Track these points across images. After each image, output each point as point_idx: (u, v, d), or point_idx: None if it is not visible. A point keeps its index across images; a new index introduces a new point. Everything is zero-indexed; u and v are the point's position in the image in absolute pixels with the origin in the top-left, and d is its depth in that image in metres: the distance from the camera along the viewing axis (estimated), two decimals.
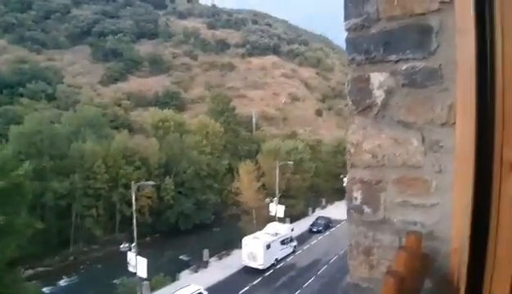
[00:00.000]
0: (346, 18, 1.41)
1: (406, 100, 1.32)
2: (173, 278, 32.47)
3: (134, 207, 25.88)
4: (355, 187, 1.45)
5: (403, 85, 1.32)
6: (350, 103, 1.43)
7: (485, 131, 0.99)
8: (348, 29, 1.42)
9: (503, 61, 0.95)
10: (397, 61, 1.32)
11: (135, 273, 25.90)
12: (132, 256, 25.77)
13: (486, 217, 0.98)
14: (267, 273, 32.66)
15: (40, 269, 38.86)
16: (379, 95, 1.37)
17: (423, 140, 1.30)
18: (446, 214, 1.25)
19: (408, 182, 1.33)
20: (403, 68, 1.31)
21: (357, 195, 1.45)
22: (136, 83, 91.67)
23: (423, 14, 1.25)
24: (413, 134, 1.32)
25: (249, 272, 32.57)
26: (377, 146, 1.39)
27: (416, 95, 1.30)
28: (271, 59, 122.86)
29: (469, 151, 1.11)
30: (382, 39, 1.34)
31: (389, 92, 1.35)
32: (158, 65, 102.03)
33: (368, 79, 1.39)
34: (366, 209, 1.42)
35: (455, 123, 1.20)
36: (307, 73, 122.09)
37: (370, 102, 1.39)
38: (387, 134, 1.37)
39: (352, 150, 1.46)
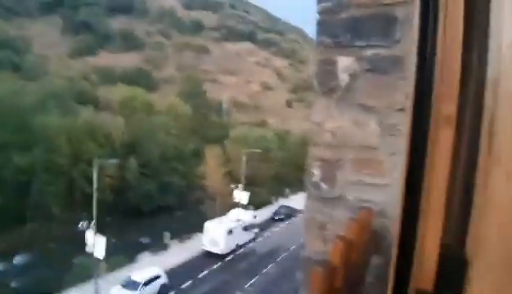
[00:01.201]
0: (319, 1, 1.44)
1: (369, 85, 1.40)
2: (132, 260, 32.05)
3: (95, 185, 25.16)
4: (315, 164, 1.51)
5: (367, 70, 1.39)
6: (316, 84, 1.47)
7: (427, 101, 1.02)
8: (319, 12, 1.45)
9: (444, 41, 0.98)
10: (362, 47, 1.38)
11: (92, 253, 25.35)
12: (90, 236, 25.15)
13: (421, 169, 1.01)
14: (228, 258, 32.93)
15: None
16: (343, 78, 1.43)
17: (380, 123, 1.38)
18: (397, 194, 1.31)
19: (364, 162, 1.42)
20: (368, 54, 1.38)
21: (316, 172, 1.51)
22: (106, 58, 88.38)
23: (390, 4, 1.31)
24: (372, 117, 1.39)
25: (209, 256, 32.70)
26: (338, 127, 1.46)
27: (378, 81, 1.37)
28: (246, 45, 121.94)
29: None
30: (350, 25, 1.39)
31: (353, 76, 1.42)
32: (130, 42, 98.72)
33: (334, 62, 1.44)
34: (324, 186, 1.49)
35: None
36: (280, 63, 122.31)
37: (335, 84, 1.45)
38: (348, 115, 1.44)
39: (315, 129, 1.50)
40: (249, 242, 36.78)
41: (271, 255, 34.85)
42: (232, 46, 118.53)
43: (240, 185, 42.80)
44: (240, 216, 36.72)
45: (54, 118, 44.30)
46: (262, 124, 73.74)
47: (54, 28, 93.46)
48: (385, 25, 1.33)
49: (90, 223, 25.71)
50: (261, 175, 54.59)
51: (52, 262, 34.57)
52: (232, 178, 48.43)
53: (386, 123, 1.37)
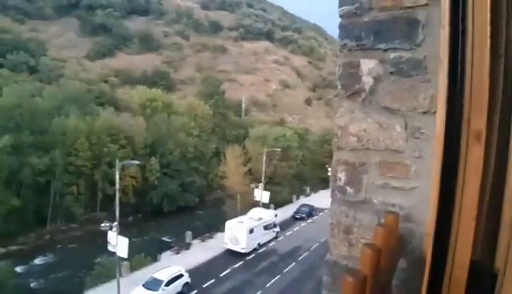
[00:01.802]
0: (340, 4, 1.46)
1: (393, 88, 1.39)
2: (154, 259, 32.47)
3: (117, 186, 25.57)
4: (339, 168, 1.52)
5: (391, 73, 1.39)
6: (340, 87, 1.48)
7: (457, 115, 1.05)
8: (341, 16, 1.46)
9: (472, 53, 1.01)
10: (385, 50, 1.39)
11: (115, 253, 25.76)
12: (112, 236, 25.50)
13: (453, 184, 1.04)
14: (249, 257, 33.01)
15: (13, 247, 37.36)
16: (367, 81, 1.44)
17: (405, 126, 1.37)
18: (423, 198, 1.32)
19: (389, 165, 1.42)
20: (391, 57, 1.38)
21: (341, 176, 1.52)
22: (124, 60, 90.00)
23: (411, 7, 1.32)
24: (397, 120, 1.39)
25: (231, 255, 32.85)
26: (362, 130, 1.47)
27: (402, 84, 1.37)
28: (263, 44, 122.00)
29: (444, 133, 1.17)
30: (373, 28, 1.40)
31: (377, 79, 1.42)
32: (148, 43, 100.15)
33: (358, 65, 1.44)
34: (349, 189, 1.50)
35: (435, 112, 1.28)
36: (299, 61, 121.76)
37: (359, 87, 1.45)
38: (373, 119, 1.44)
39: (339, 133, 1.52)
40: (271, 241, 36.78)
41: (292, 254, 34.75)
42: (250, 46, 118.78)
43: (260, 184, 42.83)
44: (260, 215, 36.73)
45: (73, 120, 45.08)
46: (282, 123, 73.70)
47: (70, 31, 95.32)
48: (407, 28, 1.33)
49: (112, 223, 26.12)
50: (281, 174, 54.60)
51: (74, 263, 35.21)
52: (253, 177, 48.57)
53: (411, 126, 1.36)
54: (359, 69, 1.44)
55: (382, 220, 1.44)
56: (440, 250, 1.07)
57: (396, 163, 1.40)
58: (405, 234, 1.35)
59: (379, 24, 1.38)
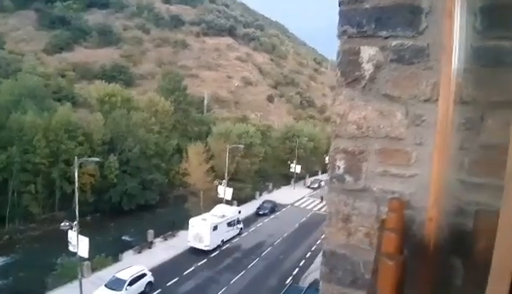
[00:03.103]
0: None
1: (393, 75, 1.39)
2: (116, 259, 31.61)
3: (76, 184, 24.62)
4: (338, 156, 1.50)
5: (391, 60, 1.38)
6: (339, 74, 1.47)
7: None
8: (341, 2, 1.44)
9: None
10: (387, 37, 1.38)
11: (75, 253, 24.81)
12: (73, 235, 24.60)
13: None
14: (213, 255, 32.91)
15: None
16: (367, 68, 1.42)
17: (406, 113, 1.37)
18: (423, 185, 1.33)
19: (390, 153, 1.41)
20: (393, 44, 1.37)
21: (340, 164, 1.50)
22: (82, 54, 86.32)
23: None
24: (398, 107, 1.39)
25: (194, 253, 32.62)
26: (362, 117, 1.45)
27: (403, 71, 1.37)
28: (226, 40, 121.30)
29: (449, 126, 1.19)
30: (374, 14, 1.39)
31: (378, 66, 1.41)
32: (107, 37, 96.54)
33: (358, 52, 1.43)
34: (348, 178, 1.48)
35: (437, 100, 1.30)
36: (261, 58, 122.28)
37: (359, 75, 1.44)
38: (373, 106, 1.43)
39: (338, 121, 1.50)
40: (234, 237, 36.84)
41: (256, 250, 35.01)
42: (212, 41, 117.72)
43: (223, 181, 42.70)
44: (224, 212, 36.65)
45: (31, 115, 42.92)
46: (244, 119, 73.62)
47: (28, 24, 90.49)
48: (410, 15, 1.32)
49: (72, 222, 25.11)
50: (244, 171, 54.67)
51: (34, 263, 33.69)
52: (216, 174, 48.31)
53: (412, 114, 1.37)
54: (359, 56, 1.43)
55: (381, 208, 1.45)
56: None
57: (396, 151, 1.40)
58: (406, 221, 1.36)
59: (380, 10, 1.37)
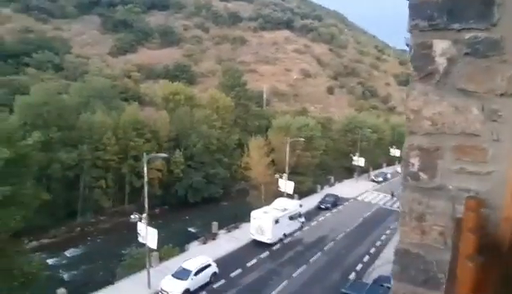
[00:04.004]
0: None
1: (468, 69, 1.33)
2: (182, 250, 33.12)
3: (146, 179, 26.16)
4: (412, 153, 1.47)
5: (465, 54, 1.33)
6: (412, 69, 1.42)
7: None
8: None
9: None
10: (459, 30, 1.33)
11: (143, 244, 26.40)
12: (142, 227, 26.23)
13: None
14: (275, 248, 33.22)
15: (45, 240, 38.93)
16: (441, 62, 1.38)
17: (482, 108, 1.32)
18: (500, 182, 1.28)
19: (466, 150, 1.36)
20: (466, 37, 1.32)
21: (415, 162, 1.46)
22: (146, 55, 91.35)
23: None
24: (473, 102, 1.33)
25: (256, 245, 33.15)
26: (437, 113, 1.40)
27: (478, 65, 1.31)
28: (283, 33, 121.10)
29: None
30: (446, 7, 1.34)
31: (452, 60, 1.36)
32: (168, 37, 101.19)
33: (431, 46, 1.39)
34: (423, 175, 1.44)
35: None
36: (320, 49, 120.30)
37: (433, 69, 1.40)
38: (448, 101, 1.39)
39: (412, 117, 1.45)
40: (296, 231, 36.86)
41: (318, 244, 34.75)
42: (270, 35, 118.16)
43: (284, 175, 42.83)
44: (285, 205, 36.79)
45: (99, 115, 46.21)
46: (304, 112, 73.21)
47: (92, 28, 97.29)
48: (482, 7, 1.26)
49: (141, 214, 26.75)
50: (305, 164, 54.38)
51: (104, 254, 36.32)
52: (276, 167, 48.59)
53: (488, 109, 1.31)
54: (432, 50, 1.38)
55: (457, 207, 1.39)
56: None
57: (472, 147, 1.35)
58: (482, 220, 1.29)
59: (452, 2, 1.32)
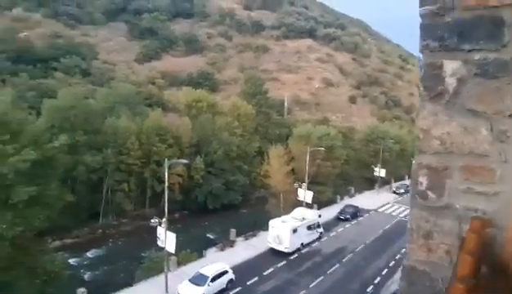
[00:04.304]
0: (421, 4, 1.44)
1: (478, 90, 1.36)
2: (200, 255, 33.26)
3: (167, 184, 26.55)
4: (421, 172, 1.50)
5: (475, 74, 1.36)
6: (422, 89, 1.46)
7: None
8: (422, 16, 1.44)
9: None
10: (470, 51, 1.35)
11: (162, 248, 26.69)
12: (161, 231, 26.56)
13: None
14: (292, 257, 32.96)
15: (68, 240, 39.80)
16: (451, 82, 1.41)
17: (491, 129, 1.34)
18: (507, 203, 1.30)
19: (474, 170, 1.38)
20: (476, 58, 1.35)
21: (423, 180, 1.49)
22: (170, 62, 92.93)
23: (496, 6, 1.27)
24: (482, 123, 1.36)
25: (274, 254, 32.98)
26: (446, 133, 1.44)
27: (487, 86, 1.33)
28: (306, 42, 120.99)
29: None
30: (456, 28, 1.37)
31: (461, 81, 1.39)
32: (192, 45, 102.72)
33: (441, 66, 1.42)
34: (431, 194, 1.47)
35: None
36: (342, 58, 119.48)
37: (442, 89, 1.43)
38: (457, 121, 1.42)
39: (422, 136, 1.50)
40: (314, 241, 36.49)
41: (336, 255, 34.27)
42: (293, 44, 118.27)
43: (303, 184, 42.58)
44: (304, 215, 36.50)
45: (124, 120, 47.14)
46: (325, 121, 72.67)
47: (119, 35, 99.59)
48: (492, 28, 1.28)
49: (161, 219, 27.11)
50: (325, 174, 53.89)
51: (124, 256, 36.87)
52: (296, 176, 48.36)
53: (496, 129, 1.33)
54: (442, 71, 1.41)
55: (463, 226, 1.41)
56: None
57: (480, 168, 1.37)
58: (487, 240, 1.32)
59: (462, 24, 1.34)
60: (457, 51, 1.36)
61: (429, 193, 1.47)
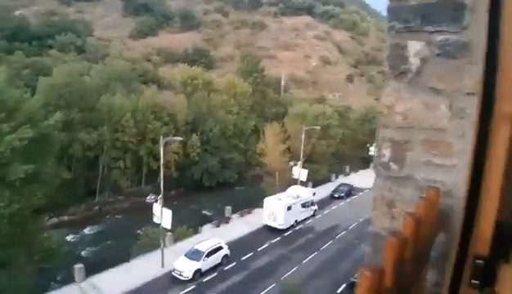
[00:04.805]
0: None
1: (439, 69, 1.44)
2: (196, 231, 33.74)
3: (162, 161, 26.67)
4: (385, 145, 1.59)
5: (437, 55, 1.44)
6: (387, 67, 1.54)
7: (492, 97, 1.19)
8: None
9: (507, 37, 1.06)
10: (432, 32, 1.44)
11: (159, 225, 27.03)
12: (157, 208, 26.86)
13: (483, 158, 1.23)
14: (286, 234, 33.51)
15: (65, 217, 40.18)
16: (414, 62, 1.49)
17: (450, 106, 1.43)
18: (463, 175, 1.39)
19: (433, 144, 1.48)
20: (438, 39, 1.43)
21: (386, 153, 1.59)
22: (166, 39, 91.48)
23: None
24: (442, 100, 1.45)
25: (268, 230, 33.51)
26: (408, 109, 1.52)
27: (448, 65, 1.42)
28: (304, 19, 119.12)
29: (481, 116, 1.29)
30: (420, 11, 1.45)
31: (424, 60, 1.47)
32: (188, 21, 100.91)
33: (405, 47, 1.50)
34: (393, 166, 1.57)
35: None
36: (340, 36, 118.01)
37: (406, 68, 1.50)
38: (419, 98, 1.50)
39: (385, 111, 1.57)
40: (308, 218, 37.03)
41: (329, 232, 34.86)
42: (290, 21, 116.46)
43: (298, 162, 42.86)
44: (299, 193, 36.91)
45: (119, 97, 46.80)
46: (322, 100, 72.36)
47: (114, 11, 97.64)
48: (454, 12, 1.37)
49: (157, 196, 27.36)
50: (320, 153, 54.17)
51: (121, 233, 37.31)
52: (291, 155, 48.61)
53: (455, 106, 1.42)
54: (406, 51, 1.49)
55: (424, 195, 1.52)
56: (471, 212, 1.26)
57: (439, 142, 1.46)
58: (445, 209, 1.42)
59: (426, 7, 1.43)
60: (421, 32, 1.44)
61: (392, 164, 1.56)
